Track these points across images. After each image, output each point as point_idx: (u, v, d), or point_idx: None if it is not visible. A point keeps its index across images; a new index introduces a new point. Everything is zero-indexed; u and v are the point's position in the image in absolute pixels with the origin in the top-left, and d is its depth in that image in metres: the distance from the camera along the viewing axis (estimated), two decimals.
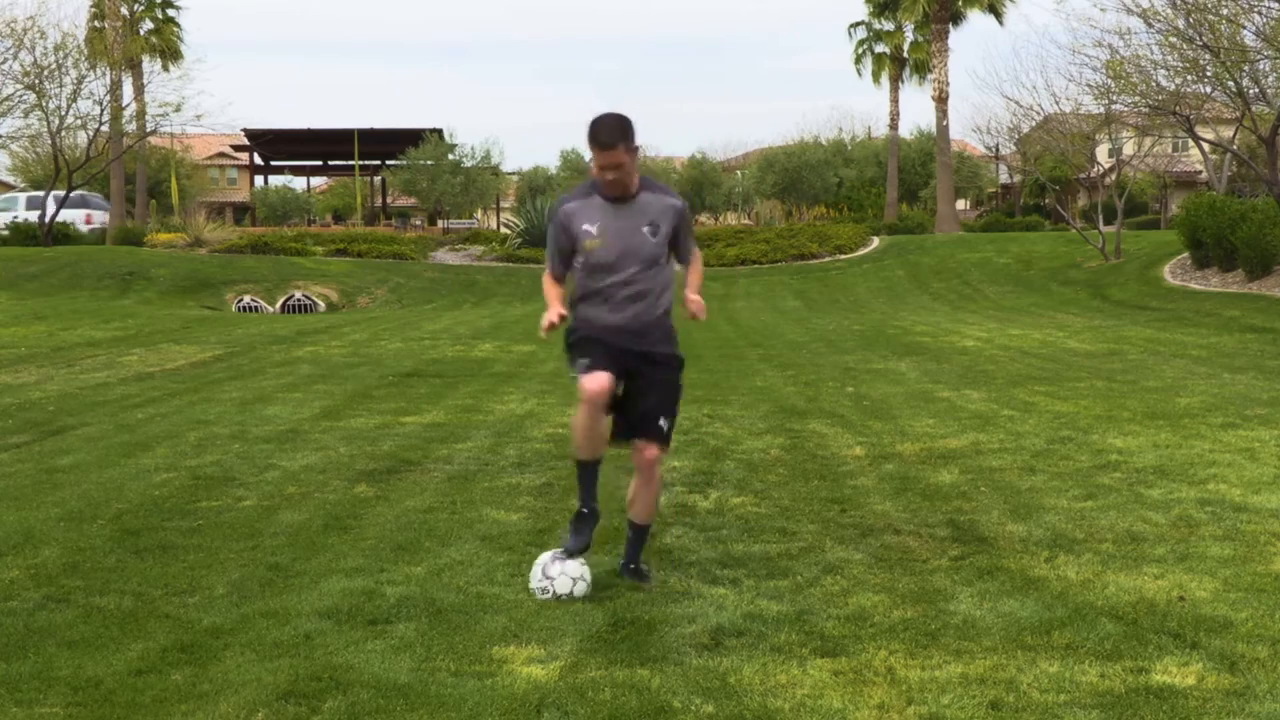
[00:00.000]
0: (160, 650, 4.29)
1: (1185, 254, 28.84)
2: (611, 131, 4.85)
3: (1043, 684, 3.90)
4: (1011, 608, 4.67)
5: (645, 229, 5.00)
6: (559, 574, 4.89)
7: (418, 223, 55.78)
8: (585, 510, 5.14)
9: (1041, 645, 4.26)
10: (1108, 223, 36.56)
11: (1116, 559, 5.36)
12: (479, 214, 63.49)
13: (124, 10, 48.45)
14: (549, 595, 4.85)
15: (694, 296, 5.22)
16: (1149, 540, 5.67)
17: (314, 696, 3.85)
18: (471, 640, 4.38)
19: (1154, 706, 3.72)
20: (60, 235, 40.06)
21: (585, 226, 4.98)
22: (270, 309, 30.99)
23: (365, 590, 4.98)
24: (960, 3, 46.83)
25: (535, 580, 4.92)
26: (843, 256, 38.02)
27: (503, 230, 47.34)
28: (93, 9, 47.61)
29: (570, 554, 5.01)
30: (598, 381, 4.92)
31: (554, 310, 5.05)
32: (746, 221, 51.94)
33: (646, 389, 5.09)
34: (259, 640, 4.38)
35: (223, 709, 3.77)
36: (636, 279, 5.01)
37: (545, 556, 5.00)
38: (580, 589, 4.86)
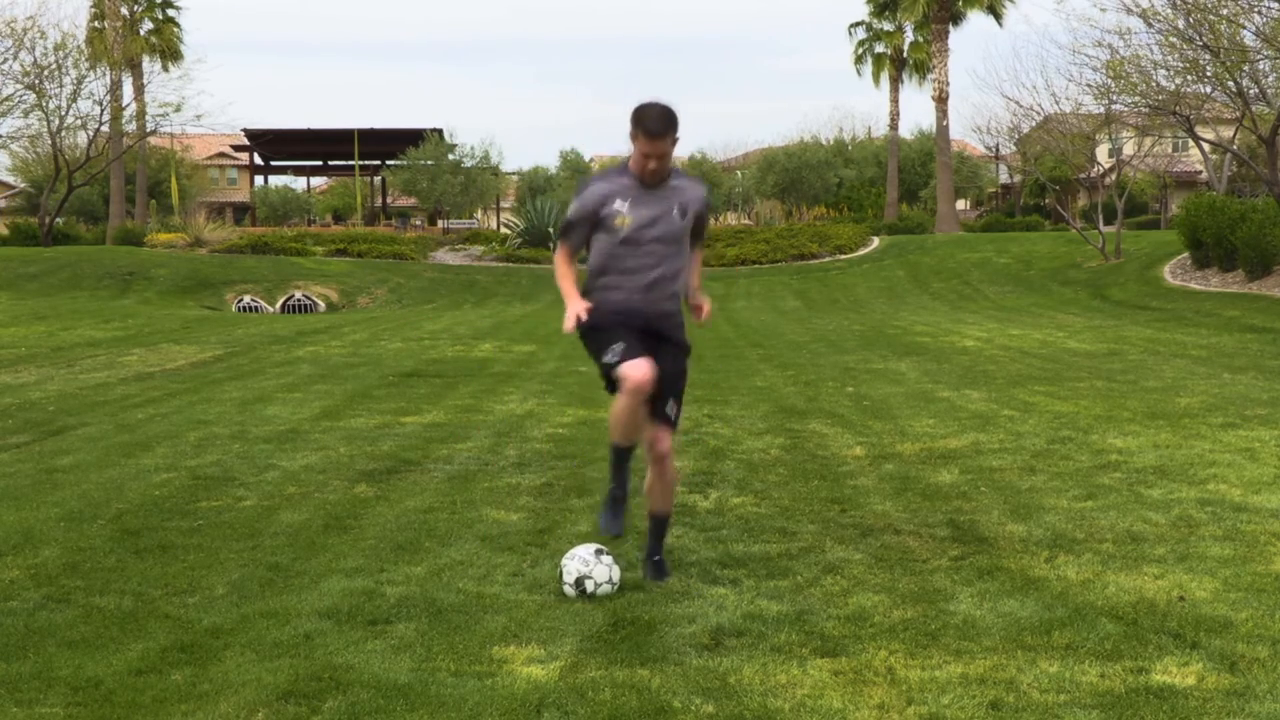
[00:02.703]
0: (160, 650, 4.29)
1: (1185, 254, 28.84)
2: (663, 121, 4.90)
3: (1043, 684, 3.90)
4: (1011, 608, 4.67)
5: (675, 211, 5.07)
6: (603, 563, 4.88)
7: (418, 223, 55.80)
8: (621, 492, 5.20)
9: (1041, 645, 4.26)
10: (1108, 223, 36.57)
11: (1116, 559, 5.36)
12: (479, 214, 63.51)
13: (124, 10, 48.48)
14: (583, 579, 4.82)
15: (703, 299, 5.34)
16: (1149, 540, 5.67)
17: (314, 696, 3.85)
18: (471, 640, 4.37)
19: (1154, 706, 3.71)
20: (60, 235, 40.07)
21: (616, 205, 5.03)
22: (270, 309, 30.99)
23: (365, 590, 4.98)
24: (960, 3, 46.85)
25: (578, 565, 4.87)
26: (843, 256, 38.03)
27: (503, 230, 47.35)
28: (93, 9, 47.65)
29: (610, 535, 5.16)
30: (641, 369, 4.93)
31: (576, 304, 5.02)
32: (746, 221, 51.96)
33: (664, 367, 5.08)
34: (259, 640, 4.38)
35: (223, 709, 3.77)
36: (662, 260, 5.06)
37: (587, 549, 4.97)
38: (604, 590, 4.84)
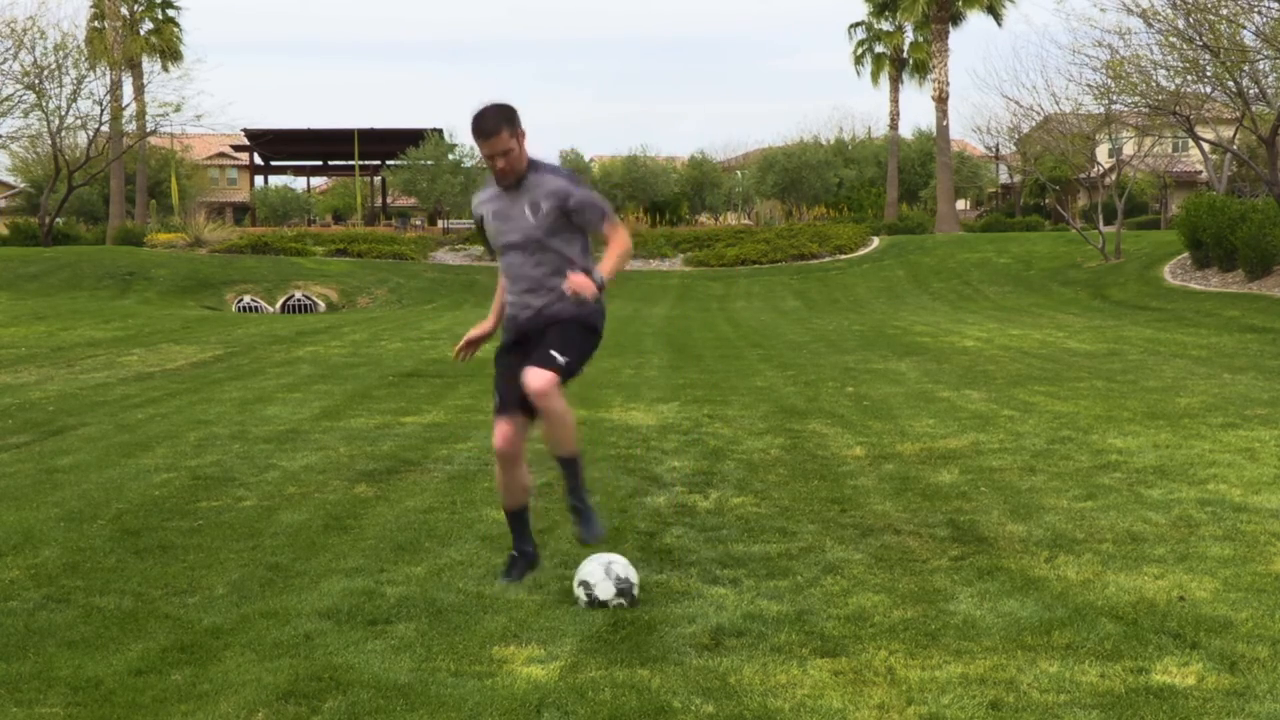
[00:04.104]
0: (160, 650, 4.29)
1: (1185, 254, 28.84)
2: (492, 120, 4.88)
3: (1043, 684, 3.90)
4: (1011, 608, 4.67)
5: (526, 210, 4.98)
6: (629, 570, 4.80)
7: (418, 223, 55.77)
8: (516, 553, 5.19)
9: (1041, 645, 4.26)
10: (1108, 223, 36.57)
11: (1116, 559, 5.36)
12: None
13: (124, 10, 48.48)
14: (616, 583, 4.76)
15: (577, 275, 4.84)
16: (1149, 540, 5.67)
17: (314, 696, 3.85)
18: (471, 640, 4.37)
19: (1154, 706, 3.71)
20: (60, 235, 40.07)
21: (481, 212, 5.15)
22: (270, 309, 30.99)
23: (365, 590, 4.98)
24: (960, 3, 46.84)
25: (606, 575, 4.78)
26: (843, 256, 38.03)
27: None
28: (93, 9, 47.64)
29: (505, 584, 5.05)
30: (501, 433, 5.03)
31: (475, 329, 5.27)
32: (746, 221, 51.95)
33: (543, 336, 4.99)
34: (259, 640, 4.38)
35: (223, 709, 3.77)
36: (525, 262, 5.02)
37: (620, 561, 4.87)
38: (618, 598, 4.77)
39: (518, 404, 5.00)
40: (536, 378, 4.84)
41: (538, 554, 5.27)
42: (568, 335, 4.97)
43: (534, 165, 5.02)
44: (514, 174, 4.97)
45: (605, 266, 4.95)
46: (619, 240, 5.04)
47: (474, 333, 5.27)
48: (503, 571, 5.18)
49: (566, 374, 4.93)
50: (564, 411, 4.93)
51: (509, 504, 5.18)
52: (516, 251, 5.03)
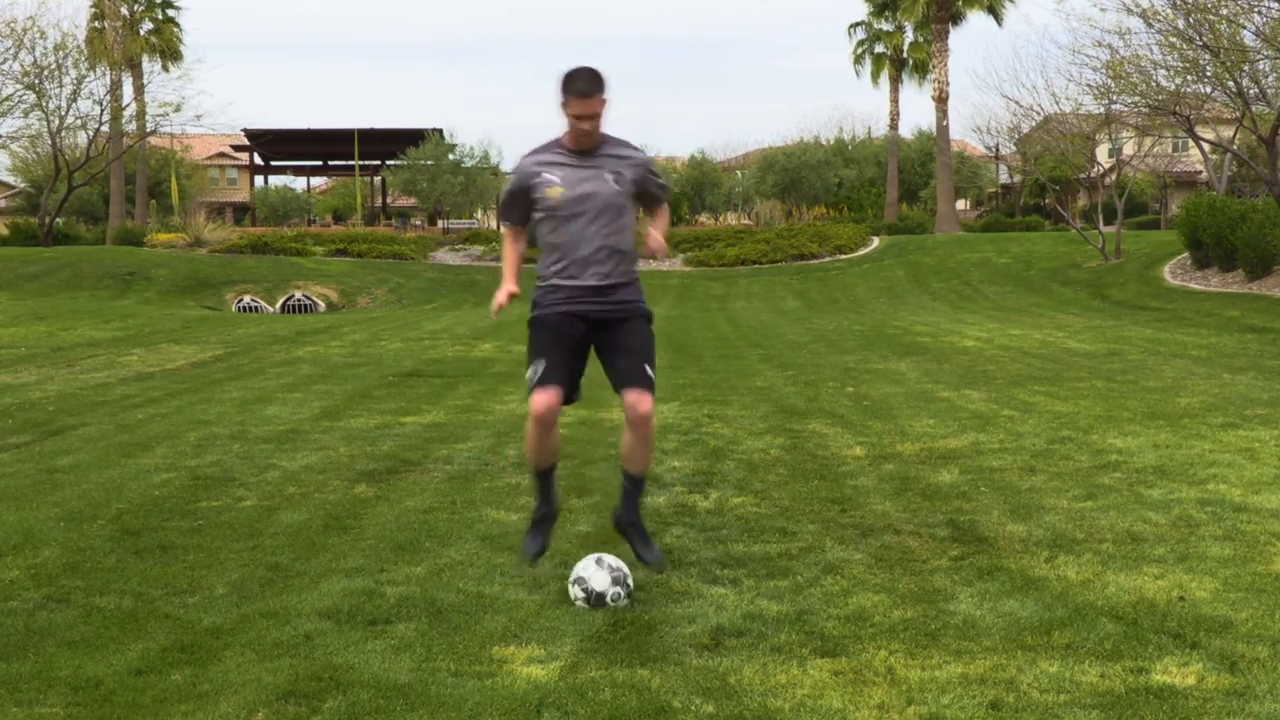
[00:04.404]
0: (160, 650, 4.29)
1: (1185, 254, 28.84)
2: (591, 81, 4.87)
3: (1043, 684, 3.90)
4: (1011, 608, 4.66)
5: (609, 176, 4.98)
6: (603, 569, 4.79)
7: (418, 223, 55.78)
8: (546, 510, 5.18)
9: (1041, 645, 4.25)
10: (1108, 223, 36.57)
11: (1116, 559, 5.36)
12: (479, 214, 63.46)
13: (124, 10, 48.50)
14: (601, 594, 4.75)
15: (655, 233, 5.11)
16: (1149, 540, 5.67)
17: (314, 696, 3.85)
18: (471, 640, 4.37)
19: (1154, 706, 3.71)
20: (60, 235, 40.07)
21: (546, 175, 4.99)
22: (270, 309, 30.99)
23: (365, 590, 4.98)
24: (960, 3, 46.85)
25: (607, 579, 4.77)
26: (843, 256, 38.04)
27: (503, 230, 47.27)
28: (93, 9, 47.67)
29: (530, 557, 5.07)
30: (546, 401, 4.94)
31: (505, 288, 5.13)
32: (746, 221, 51.97)
33: (623, 340, 5.03)
34: (259, 640, 4.38)
35: (223, 709, 3.77)
36: (601, 230, 4.98)
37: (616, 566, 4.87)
38: (618, 598, 4.76)
39: (567, 379, 4.99)
40: (645, 401, 4.95)
41: (559, 507, 5.28)
42: (648, 341, 5.09)
43: (609, 138, 5.03)
44: (594, 139, 4.97)
45: (661, 227, 5.18)
46: (665, 214, 5.32)
47: (506, 296, 5.13)
48: (529, 538, 5.13)
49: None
50: (655, 432, 5.11)
51: (541, 464, 5.13)
52: (586, 218, 4.96)
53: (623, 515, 5.14)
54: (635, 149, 5.14)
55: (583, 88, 4.85)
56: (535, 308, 5.11)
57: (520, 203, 5.09)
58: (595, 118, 4.89)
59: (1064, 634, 4.35)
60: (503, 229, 5.24)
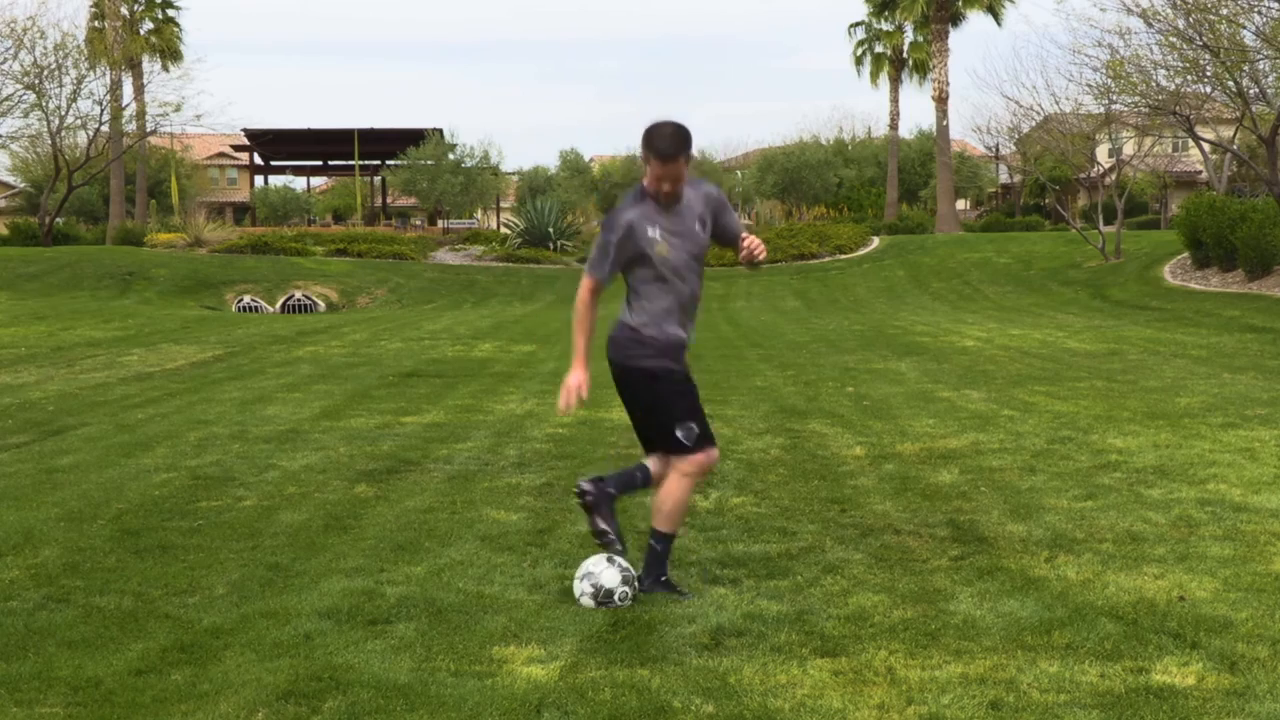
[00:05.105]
0: (160, 650, 4.29)
1: (1185, 254, 28.84)
2: (674, 141, 4.74)
3: (1043, 684, 3.90)
4: (1011, 608, 4.66)
5: (696, 225, 4.93)
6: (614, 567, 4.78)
7: (418, 223, 55.81)
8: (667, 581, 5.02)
9: (1041, 645, 4.25)
10: (1108, 223, 36.56)
11: (1116, 559, 5.36)
12: (479, 214, 63.48)
13: (124, 10, 48.50)
14: (610, 591, 4.75)
15: (749, 237, 5.01)
16: (1149, 540, 5.67)
17: (314, 696, 3.85)
18: (471, 640, 4.37)
19: (1154, 706, 3.71)
20: (60, 235, 40.08)
21: (651, 233, 4.83)
22: (270, 309, 30.99)
23: (365, 590, 4.98)
24: (960, 3, 46.86)
25: (612, 579, 4.77)
26: (843, 256, 38.04)
27: (503, 230, 47.32)
28: (93, 9, 47.67)
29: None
30: (716, 456, 5.05)
31: (579, 375, 4.88)
32: (746, 221, 51.92)
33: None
34: (259, 640, 4.38)
35: (223, 709, 3.77)
36: (697, 280, 4.95)
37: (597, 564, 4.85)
38: (623, 591, 4.77)
39: None
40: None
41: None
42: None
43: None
44: (677, 197, 4.87)
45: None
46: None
47: (581, 385, 4.90)
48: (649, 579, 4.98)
49: None
50: None
51: (680, 523, 5.12)
52: (689, 271, 4.89)
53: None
54: (706, 184, 5.05)
55: (665, 149, 4.73)
56: (649, 357, 4.88)
57: (622, 256, 4.84)
58: (678, 179, 4.80)
59: (1064, 634, 4.35)
60: (585, 284, 4.90)
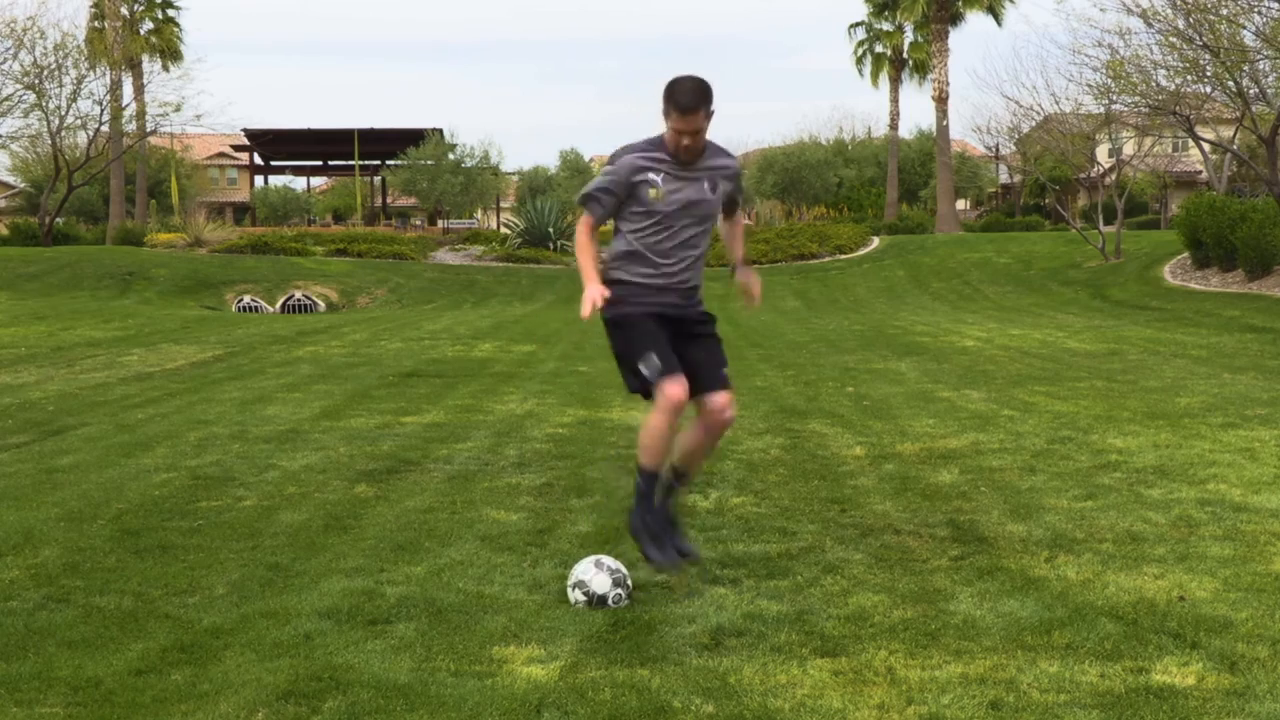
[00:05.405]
0: (160, 650, 4.29)
1: (1185, 254, 28.84)
2: (695, 95, 4.76)
3: (1043, 684, 3.90)
4: (1011, 608, 4.66)
5: (706, 185, 4.95)
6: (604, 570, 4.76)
7: (418, 223, 55.81)
8: (662, 521, 5.02)
9: (1041, 645, 4.25)
10: (1108, 223, 36.56)
11: (1116, 559, 5.36)
12: (479, 214, 63.49)
13: (124, 10, 48.51)
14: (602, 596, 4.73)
15: (752, 277, 5.25)
16: (1149, 540, 5.67)
17: (314, 696, 3.85)
18: (471, 640, 4.37)
19: (1154, 706, 3.71)
20: (60, 235, 40.07)
21: (651, 176, 4.88)
22: (270, 309, 30.99)
23: (365, 590, 4.97)
24: (960, 3, 46.88)
25: (608, 581, 4.75)
26: (843, 256, 38.04)
27: (503, 230, 47.34)
28: (93, 9, 47.68)
29: (667, 566, 4.95)
30: (682, 387, 4.85)
31: (595, 287, 4.85)
32: (746, 222, 51.92)
33: (702, 344, 5.06)
34: (259, 640, 4.38)
35: (223, 709, 3.77)
36: (695, 240, 4.98)
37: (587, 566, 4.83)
38: (617, 596, 4.75)
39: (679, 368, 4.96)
40: (731, 403, 5.09)
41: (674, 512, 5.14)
42: (721, 348, 5.16)
43: (706, 144, 4.96)
44: (696, 152, 4.90)
45: (743, 253, 5.36)
46: (740, 222, 5.35)
47: (601, 297, 4.84)
48: (649, 546, 4.94)
49: None
50: None
51: (658, 460, 4.97)
52: (682, 225, 4.93)
53: (661, 508, 5.02)
54: (731, 157, 5.10)
55: (687, 102, 4.74)
56: (614, 305, 4.92)
57: (614, 197, 4.92)
58: (698, 132, 4.81)
59: (1064, 634, 4.35)
60: (584, 221, 5.00)
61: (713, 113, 4.83)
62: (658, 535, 4.98)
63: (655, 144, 4.93)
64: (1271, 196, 26.13)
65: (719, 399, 5.02)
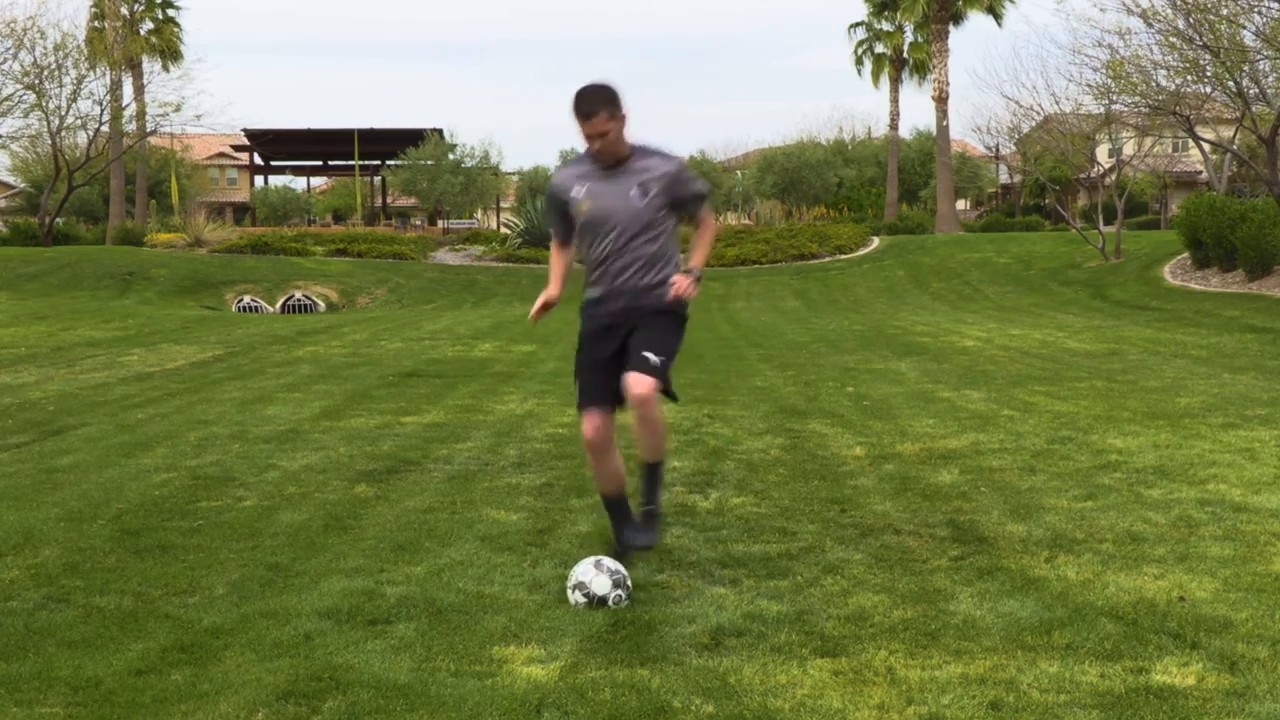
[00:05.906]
0: (160, 650, 4.29)
1: (1185, 254, 28.85)
2: (591, 100, 4.88)
3: (1043, 684, 3.90)
4: (1011, 608, 4.66)
5: (633, 192, 4.98)
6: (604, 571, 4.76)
7: (418, 223, 55.81)
8: (620, 546, 5.18)
9: (1041, 645, 4.25)
10: (1108, 223, 36.56)
11: (1116, 559, 5.36)
12: (479, 214, 63.48)
13: (124, 10, 48.50)
14: (603, 596, 4.74)
15: (679, 277, 5.00)
16: (1149, 540, 5.67)
17: (314, 696, 3.85)
18: (471, 640, 4.37)
19: (1154, 706, 3.71)
20: (60, 235, 40.07)
21: (574, 192, 5.05)
22: (270, 309, 30.99)
23: (365, 590, 4.97)
24: (960, 3, 46.87)
25: (605, 583, 4.75)
26: (843, 256, 38.04)
27: (503, 230, 47.34)
28: (93, 9, 47.68)
29: (639, 547, 5.14)
30: (591, 425, 5.03)
31: (544, 293, 5.25)
32: (746, 221, 51.94)
33: (641, 331, 5.03)
34: (259, 640, 4.38)
35: (223, 709, 3.77)
36: (626, 245, 5.00)
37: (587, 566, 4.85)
38: (617, 596, 4.77)
39: (606, 396, 5.04)
40: (639, 384, 4.91)
41: (652, 533, 5.21)
42: (661, 333, 5.03)
43: (638, 150, 5.04)
44: (612, 156, 4.98)
45: (697, 258, 5.16)
46: (709, 227, 5.27)
47: (546, 299, 5.25)
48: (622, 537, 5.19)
49: (664, 374, 4.98)
50: (660, 419, 5.07)
51: (606, 490, 5.21)
52: (615, 233, 5.00)
53: (639, 500, 5.22)
54: (665, 157, 5.09)
55: (584, 108, 4.88)
56: (581, 321, 5.20)
57: (557, 215, 5.19)
58: (603, 136, 4.90)
59: (1064, 634, 4.35)
60: (553, 242, 5.37)
61: (623, 115, 4.92)
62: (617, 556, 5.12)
63: (584, 155, 5.10)
64: (1271, 196, 26.13)
65: (629, 377, 4.95)
